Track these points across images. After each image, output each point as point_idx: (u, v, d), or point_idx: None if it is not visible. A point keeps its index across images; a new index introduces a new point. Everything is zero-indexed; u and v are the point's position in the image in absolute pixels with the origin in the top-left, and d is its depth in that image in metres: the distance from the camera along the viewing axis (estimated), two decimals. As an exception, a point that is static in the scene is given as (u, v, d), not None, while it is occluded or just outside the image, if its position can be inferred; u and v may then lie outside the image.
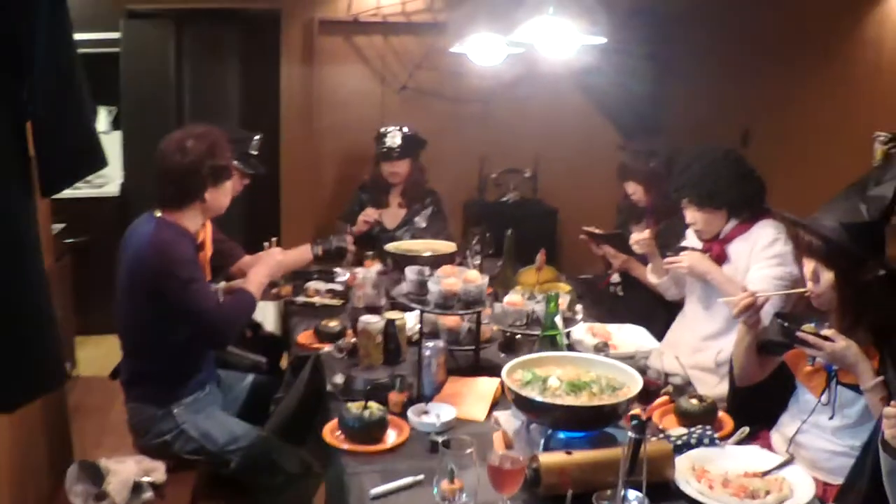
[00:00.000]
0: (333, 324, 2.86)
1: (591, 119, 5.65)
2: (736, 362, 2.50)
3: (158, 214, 2.70)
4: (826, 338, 2.06)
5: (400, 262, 3.42)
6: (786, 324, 2.15)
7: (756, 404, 2.49)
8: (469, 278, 2.31)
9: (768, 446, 2.32)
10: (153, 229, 2.64)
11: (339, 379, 2.42)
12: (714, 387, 2.88)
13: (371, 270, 3.45)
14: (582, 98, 5.59)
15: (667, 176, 3.61)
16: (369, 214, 4.14)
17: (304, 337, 2.92)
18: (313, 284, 3.45)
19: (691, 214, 3.05)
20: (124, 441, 2.84)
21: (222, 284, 3.05)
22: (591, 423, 2.00)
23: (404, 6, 5.18)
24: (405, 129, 4.24)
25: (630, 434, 1.70)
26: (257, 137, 3.63)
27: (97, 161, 1.74)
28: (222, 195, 2.78)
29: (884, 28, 4.19)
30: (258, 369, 3.35)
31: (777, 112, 4.90)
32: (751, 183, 3.03)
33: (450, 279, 2.26)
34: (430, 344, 2.34)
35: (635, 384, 2.08)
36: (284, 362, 3.56)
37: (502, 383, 2.31)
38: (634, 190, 3.70)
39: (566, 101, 5.56)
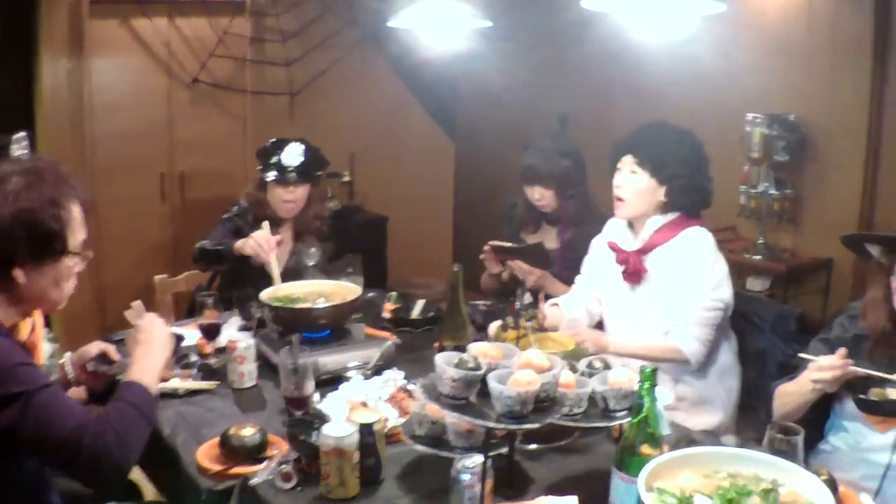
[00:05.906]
0: (250, 432, 1.93)
1: (413, 114, 4.99)
2: (785, 409, 2.13)
3: None
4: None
5: (286, 317, 2.54)
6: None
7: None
8: (536, 363, 1.53)
9: None
10: None
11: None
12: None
13: (237, 330, 2.60)
14: (403, 90, 4.90)
15: (581, 178, 3.16)
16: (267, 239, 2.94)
17: (207, 456, 1.92)
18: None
19: (621, 177, 2.59)
20: None
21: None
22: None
23: (193, -19, 4.15)
24: (303, 145, 3.26)
25: None
26: (20, 135, 2.57)
27: None
28: (50, 282, 1.72)
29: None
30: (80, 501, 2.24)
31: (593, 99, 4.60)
32: (704, 180, 2.61)
33: (525, 374, 1.45)
34: (470, 463, 1.55)
35: (797, 479, 1.47)
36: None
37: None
38: (542, 195, 3.14)
39: (383, 92, 4.86)
